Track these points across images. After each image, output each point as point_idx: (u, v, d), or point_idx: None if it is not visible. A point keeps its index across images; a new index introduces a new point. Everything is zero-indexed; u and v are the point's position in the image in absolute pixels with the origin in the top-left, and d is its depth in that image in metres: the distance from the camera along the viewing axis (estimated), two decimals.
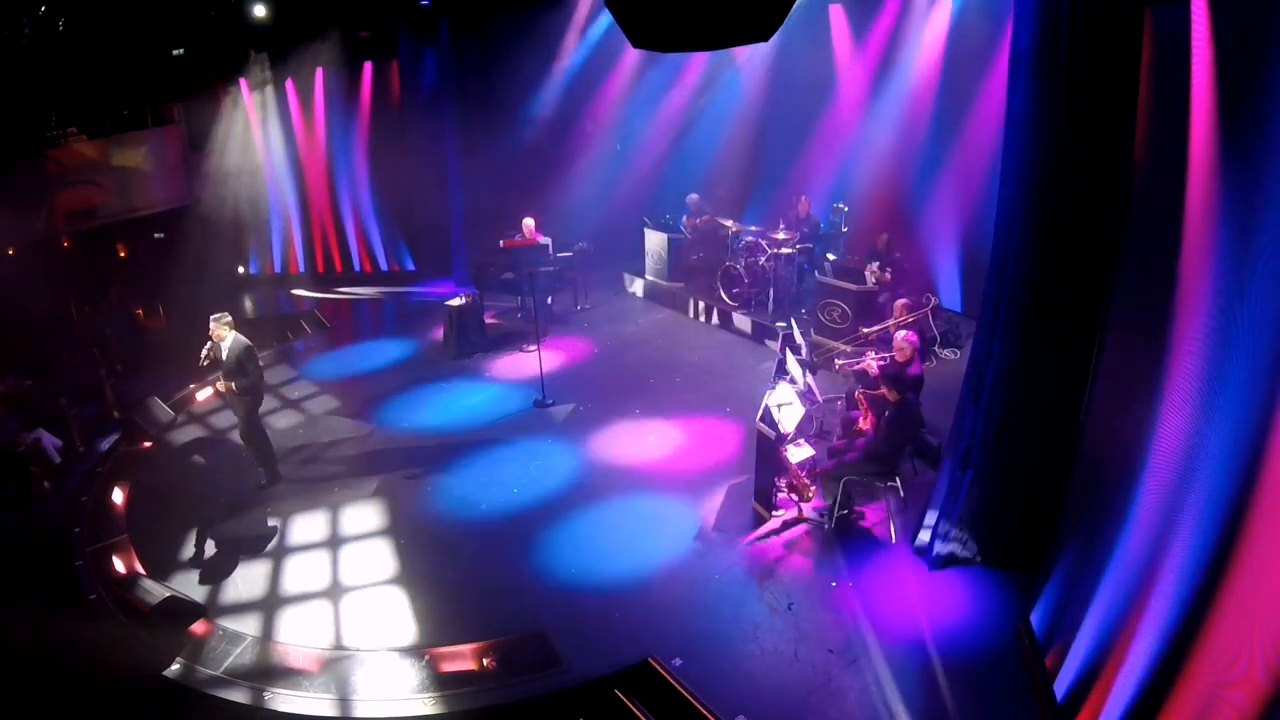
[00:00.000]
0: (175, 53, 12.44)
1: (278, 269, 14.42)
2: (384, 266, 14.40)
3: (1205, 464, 3.61)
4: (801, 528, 6.80)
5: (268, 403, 9.64)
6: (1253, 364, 3.31)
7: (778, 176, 12.45)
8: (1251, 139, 3.38)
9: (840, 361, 8.50)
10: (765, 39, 4.79)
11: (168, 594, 6.17)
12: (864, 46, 10.88)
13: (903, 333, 7.18)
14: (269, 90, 13.28)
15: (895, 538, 6.61)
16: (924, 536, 6.32)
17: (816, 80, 11.52)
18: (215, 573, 6.73)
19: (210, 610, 6.27)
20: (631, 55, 12.62)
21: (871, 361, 7.48)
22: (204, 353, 7.48)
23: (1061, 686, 4.72)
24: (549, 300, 11.61)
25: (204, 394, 10.03)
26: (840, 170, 11.49)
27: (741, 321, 11.02)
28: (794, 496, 6.94)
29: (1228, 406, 3.49)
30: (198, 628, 6.07)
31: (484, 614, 6.08)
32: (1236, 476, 3.33)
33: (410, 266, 14.30)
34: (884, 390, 6.67)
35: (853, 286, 9.55)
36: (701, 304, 11.65)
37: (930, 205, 10.62)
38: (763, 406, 6.90)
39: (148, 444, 8.91)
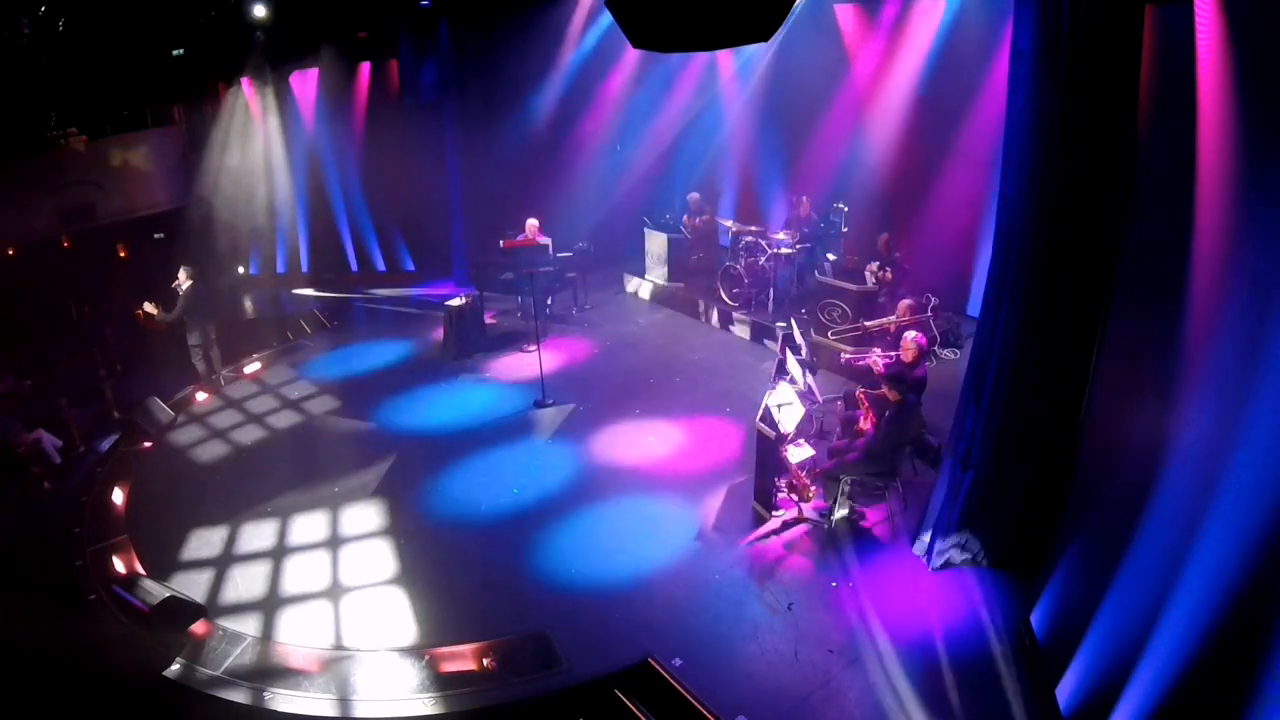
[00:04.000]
0: (175, 53, 12.44)
1: (278, 269, 14.42)
2: (383, 266, 14.39)
3: (1224, 466, 3.60)
4: (801, 528, 6.80)
5: (268, 403, 9.74)
6: (1271, 365, 3.30)
7: (778, 176, 12.45)
8: (1267, 134, 3.36)
9: (847, 352, 8.51)
10: (765, 39, 4.80)
11: (168, 594, 6.17)
12: (864, 46, 10.87)
13: (911, 333, 7.18)
14: (269, 90, 13.28)
15: (895, 538, 6.61)
16: (924, 537, 6.32)
17: (817, 80, 11.51)
18: (215, 573, 6.73)
19: (210, 610, 6.27)
20: (632, 55, 12.62)
21: (877, 359, 7.48)
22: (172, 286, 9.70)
23: (1065, 689, 4.72)
24: (549, 300, 11.61)
25: (204, 394, 10.06)
26: (840, 170, 11.49)
27: (741, 321, 11.02)
28: (794, 496, 6.94)
29: (1244, 409, 3.47)
30: (198, 628, 6.07)
31: (484, 614, 6.08)
32: (1256, 477, 3.33)
33: (410, 266, 14.30)
34: (885, 390, 6.67)
35: (853, 286, 9.55)
36: (702, 304, 11.65)
37: (931, 205, 10.60)
38: (763, 406, 6.90)
39: (148, 444, 8.91)
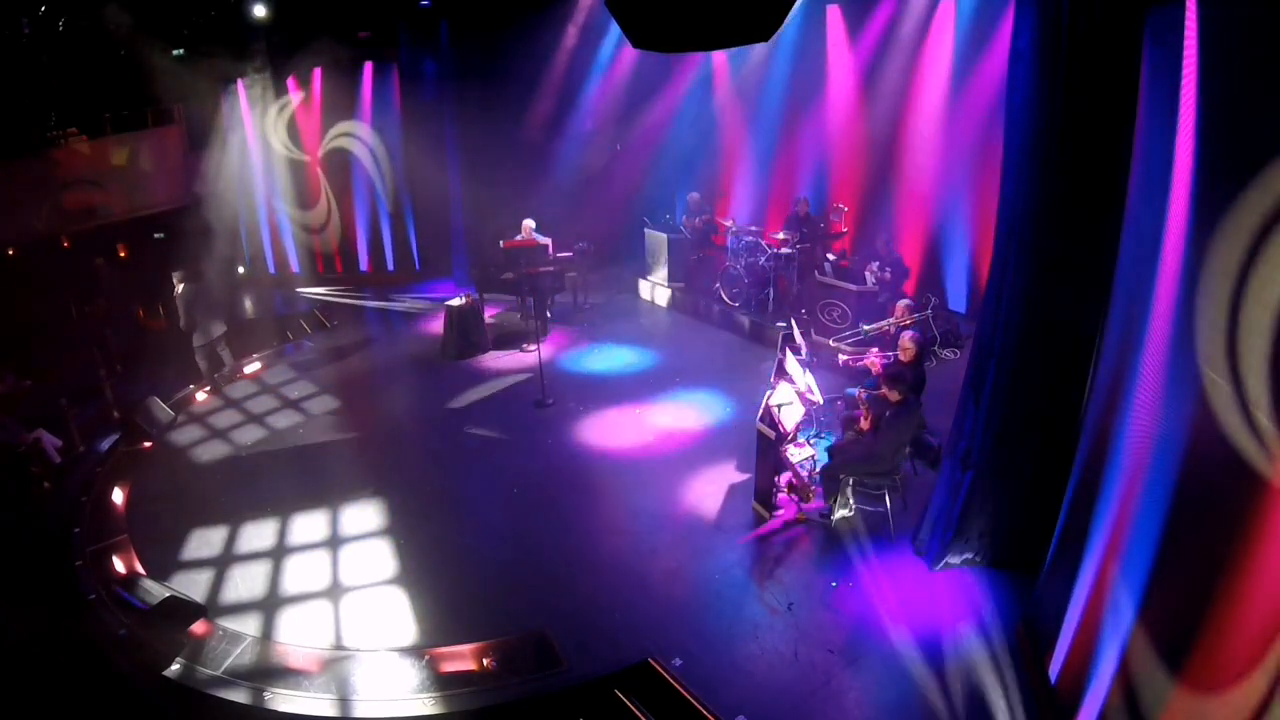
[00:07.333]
0: (175, 53, 12.44)
1: (276, 269, 14.42)
2: (387, 266, 14.39)
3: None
4: (801, 528, 6.80)
5: (267, 403, 9.76)
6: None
7: (778, 176, 12.46)
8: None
9: (844, 353, 8.52)
10: (765, 39, 4.81)
11: (168, 594, 6.17)
12: (863, 46, 10.88)
13: (907, 333, 7.20)
14: (269, 90, 13.28)
15: (895, 538, 6.61)
16: (924, 536, 6.33)
17: (816, 80, 11.53)
18: (215, 573, 6.73)
19: (210, 610, 6.27)
20: (631, 55, 12.62)
21: (875, 359, 7.49)
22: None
23: (1053, 671, 4.76)
24: (549, 300, 11.62)
25: (203, 394, 10.06)
26: (840, 170, 11.50)
27: (741, 321, 11.02)
28: (794, 496, 6.94)
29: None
30: (198, 628, 6.07)
31: (484, 614, 6.07)
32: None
33: (411, 266, 14.29)
34: (885, 389, 6.67)
35: (853, 286, 9.56)
36: (702, 304, 11.66)
37: (931, 205, 10.62)
38: (763, 406, 6.90)
39: (148, 444, 8.91)
